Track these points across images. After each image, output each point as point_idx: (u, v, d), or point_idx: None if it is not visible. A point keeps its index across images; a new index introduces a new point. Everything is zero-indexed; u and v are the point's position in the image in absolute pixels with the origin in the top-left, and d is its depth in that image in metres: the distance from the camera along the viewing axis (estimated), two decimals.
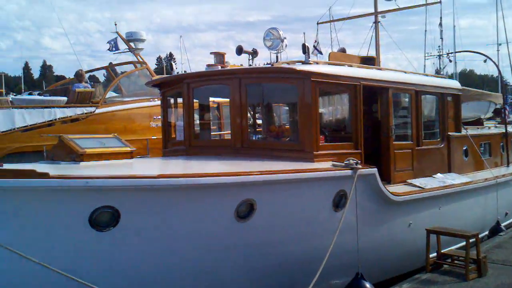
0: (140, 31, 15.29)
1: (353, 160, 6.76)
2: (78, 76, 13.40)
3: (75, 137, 6.40)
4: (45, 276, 4.90)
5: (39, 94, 16.04)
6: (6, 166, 5.09)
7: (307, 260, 6.56)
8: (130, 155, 6.69)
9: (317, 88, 7.18)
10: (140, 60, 14.97)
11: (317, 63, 7.68)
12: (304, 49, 7.32)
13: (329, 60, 8.46)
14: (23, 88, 37.41)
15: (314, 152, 7.08)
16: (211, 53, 8.06)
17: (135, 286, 5.78)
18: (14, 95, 19.20)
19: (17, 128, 11.79)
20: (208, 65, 7.99)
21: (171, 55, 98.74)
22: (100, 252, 5.43)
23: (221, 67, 7.92)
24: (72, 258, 5.23)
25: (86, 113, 12.66)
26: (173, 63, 9.06)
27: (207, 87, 8.38)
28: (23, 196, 4.86)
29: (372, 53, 11.98)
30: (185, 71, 12.75)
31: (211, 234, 5.94)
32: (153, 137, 12.44)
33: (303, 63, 7.31)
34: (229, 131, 8.37)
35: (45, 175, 4.82)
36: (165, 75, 10.07)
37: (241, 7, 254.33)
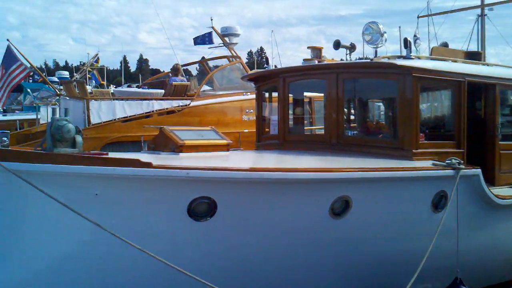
0: (234, 26, 15.50)
1: (455, 159, 6.44)
2: (175, 70, 13.83)
3: (175, 129, 6.59)
4: (145, 263, 5.07)
5: (137, 87, 16.75)
6: (112, 154, 5.33)
7: (402, 261, 6.35)
8: (226, 147, 6.80)
9: (418, 84, 6.92)
10: (234, 54, 15.18)
11: (419, 58, 7.40)
12: (406, 43, 7.08)
13: (431, 55, 8.12)
14: (123, 81, 39.30)
15: (414, 150, 6.84)
16: (308, 47, 8.02)
17: (227, 276, 5.87)
18: (115, 87, 20.17)
19: (118, 119, 12.34)
20: (305, 60, 7.95)
21: (262, 49, 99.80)
22: (196, 241, 5.56)
23: (318, 61, 7.85)
24: (170, 246, 5.39)
25: (181, 106, 13.03)
26: (267, 56, 9.09)
27: (302, 81, 8.34)
28: (127, 184, 5.07)
29: (472, 47, 11.38)
30: (275, 66, 12.78)
31: (304, 230, 5.89)
32: (245, 130, 12.59)
33: (404, 58, 7.07)
34: (321, 126, 8.28)
35: (148, 165, 4.99)
36: (260, 69, 10.13)
37: (332, 1, 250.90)
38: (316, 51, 7.97)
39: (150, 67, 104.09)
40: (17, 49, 9.56)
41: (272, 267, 5.99)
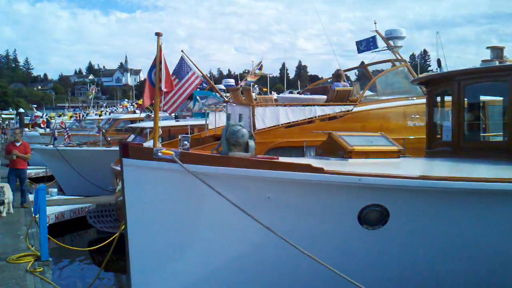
0: (400, 29, 14.89)
1: None
2: (337, 75, 13.69)
3: (343, 134, 6.48)
4: (313, 269, 5.01)
5: (298, 93, 16.92)
6: (282, 159, 5.38)
7: None
8: (397, 154, 6.52)
9: None
10: (399, 58, 14.62)
11: None
12: None
13: None
14: (285, 87, 40.30)
15: None
16: (487, 47, 7.35)
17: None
18: (277, 94, 20.69)
19: (281, 124, 12.54)
20: (484, 61, 7.30)
21: (425, 52, 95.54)
22: (366, 250, 5.38)
23: (499, 62, 7.16)
24: (339, 253, 5.27)
25: (343, 111, 12.86)
26: (440, 59, 8.57)
27: (479, 84, 7.70)
28: (298, 189, 5.06)
29: None
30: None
31: (489, 244, 5.42)
32: (410, 137, 12.02)
33: None
34: (498, 133, 7.57)
35: (320, 170, 4.94)
36: (431, 73, 9.59)
37: None
38: (497, 51, 7.28)
39: (309, 73, 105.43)
40: (190, 59, 10.14)
41: (449, 281, 5.58)
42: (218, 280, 5.43)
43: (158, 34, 7.43)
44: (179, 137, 5.58)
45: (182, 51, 10.53)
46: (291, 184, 5.01)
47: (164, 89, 7.56)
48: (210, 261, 5.35)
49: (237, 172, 4.86)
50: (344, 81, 13.88)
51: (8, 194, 11.78)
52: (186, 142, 5.38)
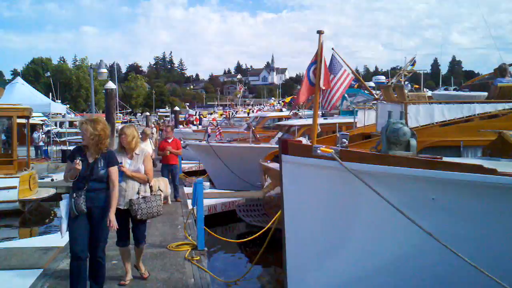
0: None
1: None
2: (502, 70, 12.63)
3: None
4: (479, 279, 4.60)
5: (454, 89, 15.93)
6: (446, 159, 5.03)
7: None
8: None
9: None
10: None
11: None
12: None
13: None
14: (440, 84, 38.39)
15: None
16: None
17: None
18: (430, 91, 19.72)
19: (436, 122, 11.88)
20: None
21: None
22: None
23: None
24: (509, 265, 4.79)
25: (507, 109, 11.82)
26: None
27: None
28: (464, 190, 4.69)
29: None
30: None
31: None
32: None
33: None
34: None
35: (492, 171, 4.53)
36: None
37: None
38: None
39: (463, 69, 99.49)
40: (340, 57, 10.00)
41: None
42: (373, 282, 5.25)
43: (319, 32, 7.41)
44: (337, 135, 5.48)
45: (332, 48, 10.42)
46: (457, 185, 4.65)
47: (322, 86, 7.53)
48: (366, 261, 5.19)
49: (401, 171, 4.63)
50: (510, 76, 12.75)
51: (166, 188, 12.59)
52: (344, 140, 5.28)
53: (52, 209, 15.99)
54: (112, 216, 5.94)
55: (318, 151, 4.89)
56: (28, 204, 15.17)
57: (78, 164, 5.74)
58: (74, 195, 5.85)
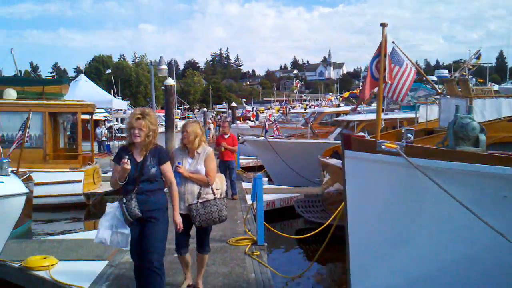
0: None
1: None
2: None
3: None
4: None
5: None
6: None
7: None
8: None
9: None
10: None
11: None
12: None
13: None
14: (507, 77, 36.91)
15: None
16: None
17: None
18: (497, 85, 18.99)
19: (504, 117, 11.42)
20: None
21: None
22: None
23: None
24: None
25: None
26: None
27: None
28: None
29: None
30: None
31: None
32: None
33: None
34: None
35: None
36: None
37: None
38: None
39: None
40: (401, 51, 9.76)
41: None
42: (438, 281, 5.09)
43: (383, 25, 7.27)
44: (402, 130, 5.35)
45: (393, 42, 10.19)
46: None
47: (387, 80, 7.39)
48: (432, 261, 5.04)
49: (472, 168, 4.45)
50: None
51: (222, 185, 12.63)
52: (410, 135, 5.15)
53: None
54: (177, 217, 5.54)
55: (383, 146, 4.78)
56: (92, 197, 15.72)
57: (127, 164, 5.12)
58: (124, 200, 5.27)
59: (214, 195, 6.28)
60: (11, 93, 15.10)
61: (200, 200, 6.12)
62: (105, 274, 7.31)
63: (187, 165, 6.19)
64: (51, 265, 7.52)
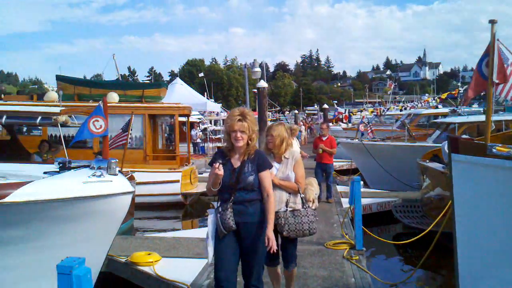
0: None
1: None
2: None
3: None
4: None
5: None
6: None
7: None
8: None
9: None
10: None
11: None
12: None
13: None
14: None
15: None
16: None
17: None
18: None
19: None
20: None
21: None
22: None
23: None
24: None
25: None
26: None
27: None
28: None
29: None
30: None
31: None
32: None
33: None
34: None
35: None
36: None
37: None
38: None
39: None
40: (507, 49, 9.16)
41: None
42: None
43: (492, 22, 6.89)
44: None
45: (498, 40, 9.61)
46: None
47: (496, 80, 6.97)
48: None
49: None
50: None
51: (316, 189, 12.46)
52: None
53: (211, 203, 16.91)
54: (270, 233, 4.72)
55: (494, 150, 4.48)
56: (189, 197, 16.19)
57: (219, 169, 4.64)
58: (220, 209, 4.81)
59: (304, 204, 5.71)
60: (113, 97, 15.84)
61: (289, 208, 5.60)
62: (206, 272, 7.45)
63: (275, 170, 5.61)
64: (155, 261, 7.81)
